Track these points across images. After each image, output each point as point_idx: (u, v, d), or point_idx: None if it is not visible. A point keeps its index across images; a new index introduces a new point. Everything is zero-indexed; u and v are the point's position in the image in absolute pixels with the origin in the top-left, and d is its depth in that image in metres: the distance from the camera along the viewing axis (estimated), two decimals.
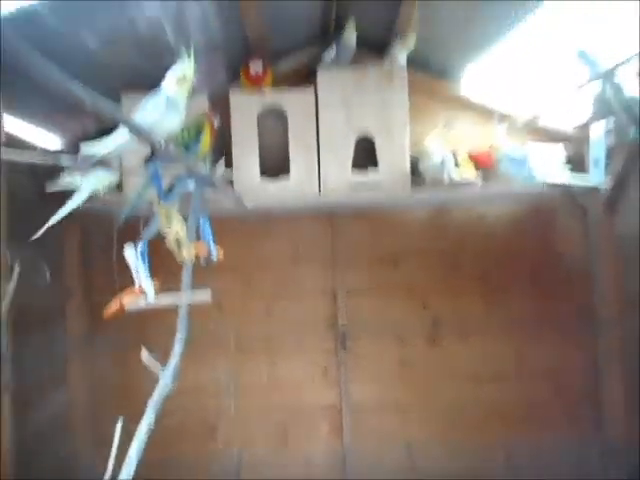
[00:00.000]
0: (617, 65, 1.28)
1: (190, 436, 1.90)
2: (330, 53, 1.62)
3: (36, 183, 1.47)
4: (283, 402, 1.93)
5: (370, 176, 1.63)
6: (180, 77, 1.00)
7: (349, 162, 1.62)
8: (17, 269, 1.01)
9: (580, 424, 1.89)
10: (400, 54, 1.67)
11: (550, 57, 1.49)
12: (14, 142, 1.42)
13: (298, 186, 1.61)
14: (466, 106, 1.93)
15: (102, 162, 0.97)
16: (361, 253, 1.94)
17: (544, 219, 1.94)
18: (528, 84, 1.71)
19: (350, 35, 1.58)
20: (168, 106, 0.97)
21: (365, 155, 1.66)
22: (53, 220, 1.35)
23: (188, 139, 1.24)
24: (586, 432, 1.89)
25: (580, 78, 1.41)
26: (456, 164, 1.67)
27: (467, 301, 1.94)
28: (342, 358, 1.92)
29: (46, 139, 1.63)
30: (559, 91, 1.49)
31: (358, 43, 1.68)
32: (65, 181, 1.40)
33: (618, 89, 1.41)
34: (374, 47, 1.83)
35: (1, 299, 1.05)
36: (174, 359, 0.98)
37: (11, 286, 0.99)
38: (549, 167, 1.70)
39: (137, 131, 0.81)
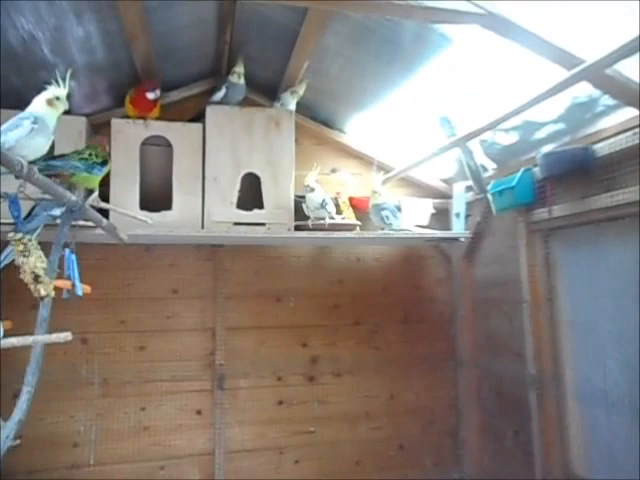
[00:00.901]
0: (469, 134, 1.46)
1: None
2: (221, 91, 1.64)
3: None
4: (151, 450, 1.80)
5: (255, 213, 1.64)
6: (52, 98, 0.93)
7: (234, 199, 1.63)
8: None
9: (442, 458, 2.03)
10: (290, 100, 1.73)
11: (423, 117, 1.66)
12: None
13: (180, 219, 1.56)
14: (349, 154, 2.05)
15: None
16: (243, 289, 1.92)
17: (414, 265, 2.11)
18: (404, 139, 1.87)
19: (239, 76, 1.60)
20: (37, 127, 0.89)
21: (252, 193, 1.68)
22: None
23: (93, 161, 1.17)
24: (447, 466, 2.02)
25: (444, 140, 1.59)
26: (337, 207, 1.76)
27: (344, 340, 2.00)
28: (218, 399, 1.86)
29: None
30: (429, 148, 1.66)
31: (250, 85, 1.72)
32: None
33: (469, 154, 1.62)
34: (265, 91, 1.88)
35: None
36: (19, 413, 0.87)
37: None
38: (419, 218, 1.87)
39: (10, 164, 0.73)
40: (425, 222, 1.89)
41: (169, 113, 1.74)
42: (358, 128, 1.97)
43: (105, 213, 1.34)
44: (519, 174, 1.52)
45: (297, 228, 1.68)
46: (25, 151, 0.89)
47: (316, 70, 1.64)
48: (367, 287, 2.04)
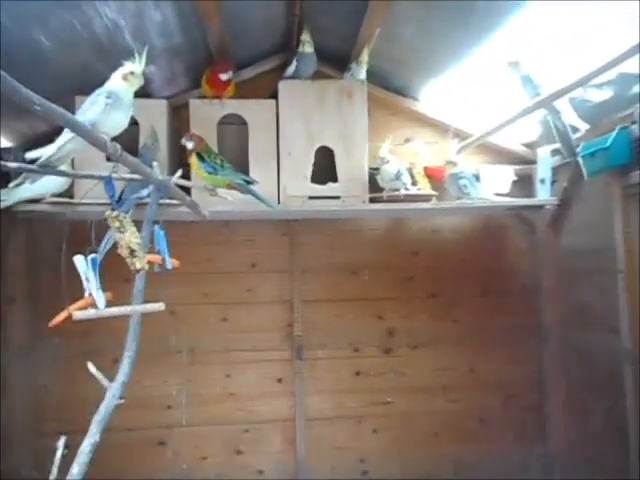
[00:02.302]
0: (556, 92, 1.35)
1: (138, 450, 1.84)
2: (292, 65, 1.64)
3: None
4: (236, 414, 1.90)
5: (329, 187, 1.65)
6: (127, 73, 0.97)
7: (308, 173, 1.64)
8: None
9: (525, 434, 1.97)
10: (359, 70, 1.70)
11: (503, 79, 1.56)
12: None
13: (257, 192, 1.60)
14: (424, 122, 1.99)
15: (47, 166, 0.92)
16: (319, 263, 1.95)
17: (494, 235, 2.02)
18: (483, 104, 1.78)
19: (309, 45, 1.59)
20: (112, 102, 0.93)
21: (326, 167, 1.68)
22: None
23: (216, 163, 1.37)
24: (530, 442, 1.96)
25: (526, 101, 1.48)
26: (412, 177, 1.72)
27: (421, 312, 1.98)
28: (298, 368, 1.92)
29: None
30: (510, 112, 1.56)
31: (320, 57, 1.70)
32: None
33: (557, 115, 1.50)
34: (336, 62, 1.86)
35: None
36: (122, 375, 0.95)
37: None
38: (499, 186, 1.78)
39: (78, 129, 0.78)
40: (506, 190, 1.80)
41: (243, 91, 1.77)
42: (433, 95, 1.89)
43: (187, 191, 1.40)
44: (614, 133, 1.39)
45: (372, 200, 1.66)
46: (105, 127, 0.92)
47: (388, 37, 1.59)
48: (443, 259, 1.99)
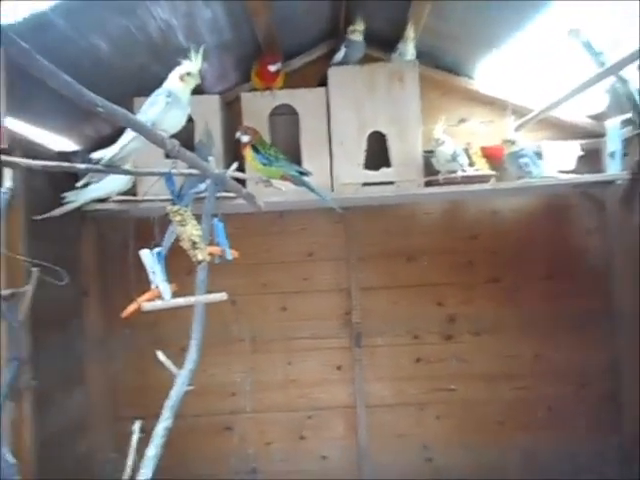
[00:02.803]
0: (625, 59, 1.25)
1: (206, 435, 1.92)
2: (341, 52, 1.62)
3: (53, 185, 1.50)
4: (298, 400, 1.94)
5: (383, 173, 1.62)
6: (184, 73, 1.00)
7: (361, 159, 1.62)
8: (36, 272, 1.03)
9: (599, 424, 1.87)
10: (407, 49, 1.65)
11: (564, 50, 1.47)
12: (30, 147, 1.44)
13: (310, 182, 1.60)
14: (479, 101, 1.91)
15: (111, 165, 0.97)
16: (375, 250, 1.94)
17: (559, 214, 1.92)
18: (542, 77, 1.68)
19: (359, 33, 1.57)
20: (171, 101, 0.96)
21: (379, 152, 1.66)
22: (56, 212, 1.40)
23: (270, 155, 1.39)
24: (605, 432, 1.86)
25: (592, 71, 1.39)
26: (469, 158, 1.66)
27: (482, 298, 1.92)
28: (357, 356, 1.92)
29: (61, 143, 1.65)
30: (573, 83, 1.47)
31: (367, 40, 1.68)
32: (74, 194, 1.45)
33: (626, 83, 1.39)
34: (382, 43, 1.82)
35: (20, 302, 1.07)
36: (190, 363, 0.99)
37: (30, 289, 1.01)
38: (563, 162, 1.68)
39: (140, 128, 0.81)
40: (571, 167, 1.70)
41: (293, 81, 1.77)
42: (488, 72, 1.81)
43: (242, 184, 1.43)
44: None
45: (427, 184, 1.63)
46: (164, 125, 0.96)
47: (438, 13, 1.53)
48: (505, 242, 1.92)
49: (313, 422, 1.94)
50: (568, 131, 1.85)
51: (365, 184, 1.62)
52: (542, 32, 1.42)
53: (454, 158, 1.59)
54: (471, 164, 1.67)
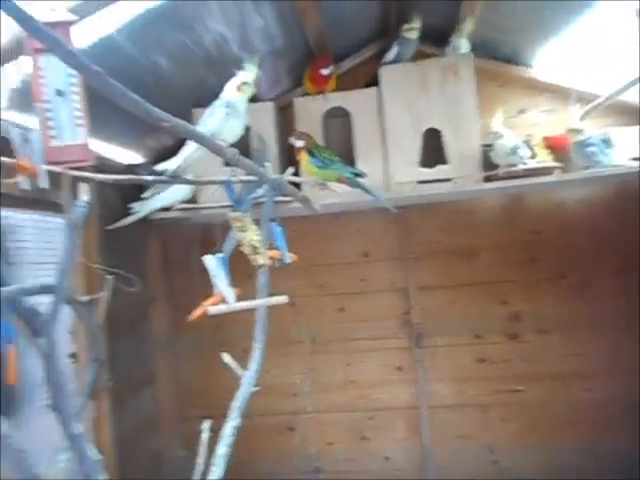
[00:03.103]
0: None
1: (269, 435, 1.96)
2: (393, 50, 1.60)
3: (121, 196, 1.59)
4: (359, 401, 1.94)
5: (439, 170, 1.59)
6: (240, 83, 1.03)
7: (417, 157, 1.60)
8: (111, 279, 1.10)
9: None
10: (462, 42, 1.61)
11: (629, 32, 1.38)
12: (100, 161, 1.53)
13: (365, 183, 1.60)
14: (540, 89, 1.83)
15: (176, 176, 1.01)
16: (432, 248, 1.91)
17: (630, 204, 1.80)
18: (607, 62, 1.59)
19: (415, 31, 1.55)
20: (230, 111, 1.00)
21: (434, 149, 1.63)
22: (124, 221, 1.48)
23: (325, 158, 1.40)
24: None
25: None
26: (530, 150, 1.60)
27: (548, 295, 1.84)
28: (418, 356, 1.90)
29: (127, 156, 1.74)
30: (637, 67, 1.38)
31: (419, 37, 1.65)
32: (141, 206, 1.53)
33: None
34: (435, 38, 1.78)
35: (97, 306, 1.14)
36: (254, 364, 1.01)
37: (106, 295, 1.07)
38: (633, 149, 1.58)
39: (202, 140, 0.84)
40: None
41: (344, 82, 1.77)
42: (548, 59, 1.74)
43: (298, 188, 1.45)
44: None
45: (486, 179, 1.58)
46: (224, 135, 1.00)
47: (493, 6, 1.49)
48: (571, 235, 1.83)
49: (374, 423, 1.94)
50: (635, 115, 1.73)
51: (421, 182, 1.60)
52: (603, 16, 1.35)
53: (514, 151, 1.53)
54: (533, 156, 1.61)
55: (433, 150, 1.62)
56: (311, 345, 1.96)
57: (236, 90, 1.03)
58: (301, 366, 1.96)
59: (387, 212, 1.44)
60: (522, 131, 1.72)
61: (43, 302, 0.76)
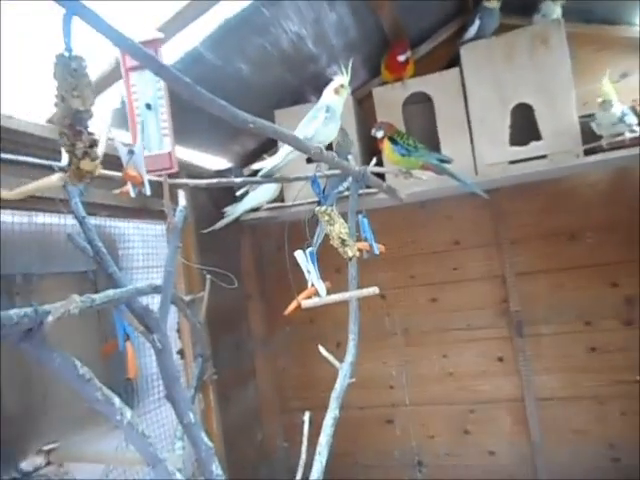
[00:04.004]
0: None
1: (369, 427, 1.96)
2: (474, 24, 1.53)
3: (213, 201, 1.68)
4: (458, 394, 1.88)
5: (533, 147, 1.49)
6: (338, 86, 1.07)
7: (506, 136, 1.51)
8: (209, 278, 1.16)
9: None
10: (553, 7, 1.49)
11: None
12: (192, 169, 1.63)
13: (452, 169, 1.55)
14: None
15: (267, 176, 1.05)
16: (529, 231, 1.79)
17: None
18: None
19: (496, 3, 1.46)
20: (329, 115, 1.04)
21: (526, 126, 1.53)
22: (219, 224, 1.56)
23: (409, 145, 1.39)
24: None
25: None
26: (638, 117, 1.44)
27: None
28: (519, 346, 1.80)
29: (215, 162, 1.84)
30: None
31: (501, 8, 1.56)
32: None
33: None
34: (519, 8, 1.67)
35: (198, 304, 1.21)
36: (350, 356, 1.02)
37: (206, 294, 1.14)
38: None
39: (286, 138, 0.87)
40: None
41: (423, 67, 1.72)
42: None
43: (382, 179, 1.43)
44: None
45: (587, 153, 1.45)
46: (321, 137, 1.05)
47: None
48: None
49: (476, 416, 1.86)
50: None
51: (513, 162, 1.51)
52: None
53: (620, 119, 1.38)
54: None
55: (524, 127, 1.52)
56: (404, 337, 1.94)
57: (334, 93, 1.07)
58: (396, 358, 1.94)
59: (477, 197, 1.38)
60: (625, 98, 1.56)
61: (153, 302, 0.82)
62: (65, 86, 0.58)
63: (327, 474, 0.85)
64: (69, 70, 0.58)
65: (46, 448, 1.06)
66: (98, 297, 0.63)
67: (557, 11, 1.50)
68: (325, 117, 1.03)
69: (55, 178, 0.65)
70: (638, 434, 1.68)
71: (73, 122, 0.58)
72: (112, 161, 0.81)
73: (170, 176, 0.88)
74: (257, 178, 1.04)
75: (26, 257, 1.02)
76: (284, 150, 1.04)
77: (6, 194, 0.61)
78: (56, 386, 1.08)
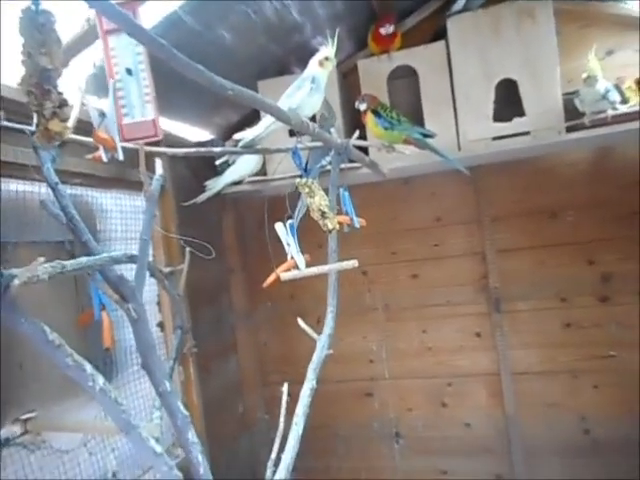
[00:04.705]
0: None
1: (348, 400, 1.99)
2: (460, 0, 1.50)
3: (194, 174, 1.65)
4: (437, 368, 1.92)
5: (516, 123, 1.49)
6: (322, 58, 1.05)
7: (490, 112, 1.50)
8: (188, 250, 1.15)
9: None
10: None
11: None
12: (172, 139, 1.59)
13: (434, 144, 1.54)
14: (631, 26, 1.64)
15: (251, 146, 1.04)
16: (511, 208, 1.81)
17: None
18: None
19: None
20: (314, 86, 1.03)
21: (509, 101, 1.52)
22: (200, 198, 1.55)
23: (392, 118, 1.36)
24: None
25: None
26: (621, 95, 1.44)
27: None
28: (497, 322, 1.83)
29: (196, 134, 1.80)
30: None
31: None
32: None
33: None
34: None
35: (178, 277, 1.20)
36: (328, 328, 1.03)
37: (185, 266, 1.13)
38: None
39: (267, 108, 0.85)
40: None
41: (410, 40, 1.69)
42: None
43: (365, 153, 1.42)
44: None
45: (569, 130, 1.46)
46: (305, 109, 1.03)
47: None
48: None
49: (454, 389, 1.91)
50: None
51: (496, 138, 1.51)
52: None
53: (604, 96, 1.38)
54: (624, 101, 1.45)
55: (508, 103, 1.51)
56: (385, 312, 1.96)
57: (318, 65, 1.05)
58: (376, 333, 1.97)
59: (460, 174, 1.38)
60: (611, 75, 1.56)
61: (131, 276, 0.81)
62: (32, 42, 0.56)
63: (306, 445, 0.86)
64: (36, 25, 0.56)
65: (23, 417, 1.05)
66: (69, 263, 0.61)
67: None
68: (311, 88, 1.01)
69: None
70: (609, 407, 1.74)
71: (40, 80, 0.56)
72: (87, 128, 0.78)
73: (147, 144, 0.86)
74: (236, 148, 1.02)
75: (0, 225, 0.99)
76: (266, 120, 1.02)
77: None
78: (33, 356, 1.07)
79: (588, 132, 1.42)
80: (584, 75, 1.41)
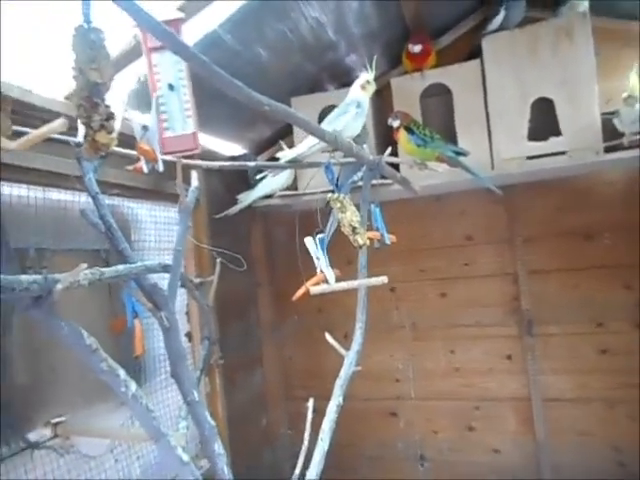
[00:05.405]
0: None
1: (373, 419, 1.96)
2: (499, 15, 1.50)
3: (226, 187, 1.68)
4: (464, 390, 1.87)
5: (552, 143, 1.46)
6: (364, 82, 1.09)
7: (525, 131, 1.48)
8: (219, 261, 1.16)
9: None
10: (579, 1, 1.46)
11: None
12: (206, 153, 1.63)
13: (467, 162, 1.53)
14: None
15: (295, 161, 1.08)
16: (544, 229, 1.77)
17: None
18: None
19: None
20: (359, 110, 1.06)
21: (546, 121, 1.50)
22: (231, 210, 1.57)
23: (425, 135, 1.38)
24: None
25: None
26: None
27: None
28: (529, 345, 1.78)
29: (229, 148, 1.84)
30: None
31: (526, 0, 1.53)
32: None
33: None
34: (544, 1, 1.64)
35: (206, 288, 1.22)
36: (356, 344, 1.02)
37: (216, 277, 1.14)
38: None
39: (301, 123, 0.87)
40: None
41: (445, 58, 1.69)
42: None
43: (396, 170, 1.42)
44: None
45: (608, 150, 1.42)
46: (349, 132, 1.07)
47: None
48: None
49: (482, 413, 1.86)
50: None
51: (530, 157, 1.49)
52: None
53: None
54: None
55: (543, 122, 1.49)
56: (412, 331, 1.93)
57: (361, 89, 1.10)
58: (403, 352, 1.94)
59: (492, 192, 1.37)
60: None
61: (163, 285, 0.83)
62: (83, 58, 0.59)
63: (330, 463, 0.85)
64: (88, 42, 0.58)
65: (54, 421, 1.07)
66: (107, 271, 0.63)
67: (584, 4, 1.47)
68: (356, 112, 1.05)
69: (57, 124, 0.64)
70: None
71: (90, 94, 0.58)
72: (127, 141, 0.81)
73: (184, 157, 0.88)
74: (270, 163, 1.04)
75: (40, 232, 1.03)
76: (310, 140, 1.04)
77: (7, 144, 0.61)
78: (65, 360, 1.09)
79: (627, 153, 1.39)
80: (624, 95, 1.38)
